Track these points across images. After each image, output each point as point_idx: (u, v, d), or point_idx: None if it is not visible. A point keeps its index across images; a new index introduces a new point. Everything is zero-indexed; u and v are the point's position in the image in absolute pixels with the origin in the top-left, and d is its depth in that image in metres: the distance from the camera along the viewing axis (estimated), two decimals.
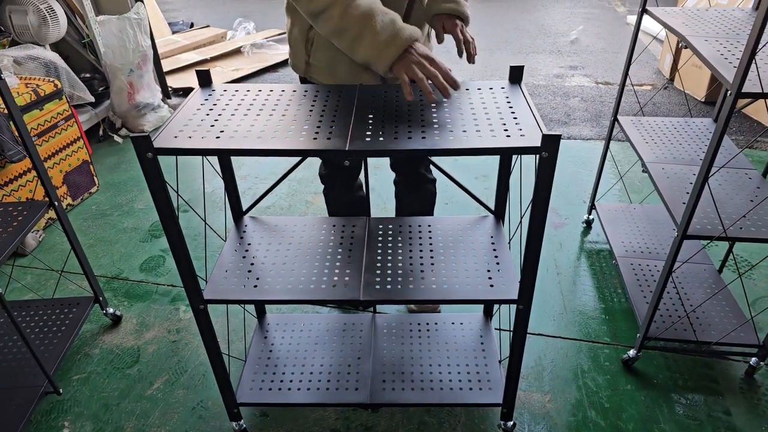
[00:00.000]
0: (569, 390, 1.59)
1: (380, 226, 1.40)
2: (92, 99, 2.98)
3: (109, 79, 3.09)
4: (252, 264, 1.28)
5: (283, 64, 4.42)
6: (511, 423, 1.42)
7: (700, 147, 1.77)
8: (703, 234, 1.34)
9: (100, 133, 3.20)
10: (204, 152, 0.96)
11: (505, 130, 0.98)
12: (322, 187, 1.78)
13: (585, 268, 2.07)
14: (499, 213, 1.42)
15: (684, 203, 1.44)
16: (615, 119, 1.97)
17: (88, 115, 3.05)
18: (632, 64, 4.20)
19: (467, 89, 1.17)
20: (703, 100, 3.45)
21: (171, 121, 1.05)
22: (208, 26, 5.18)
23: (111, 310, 1.86)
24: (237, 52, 4.60)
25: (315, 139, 0.98)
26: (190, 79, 3.96)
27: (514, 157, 1.37)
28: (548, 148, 0.91)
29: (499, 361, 1.49)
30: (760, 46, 1.03)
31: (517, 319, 1.18)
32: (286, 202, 2.52)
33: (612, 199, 2.48)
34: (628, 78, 1.92)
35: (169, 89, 3.67)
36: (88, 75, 3.19)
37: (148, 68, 3.19)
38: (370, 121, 1.04)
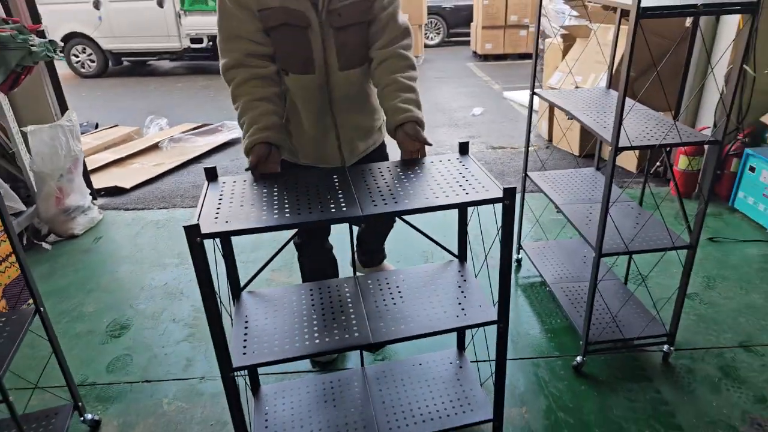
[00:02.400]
0: (538, 400, 1.92)
1: (368, 282, 1.67)
2: (24, 208, 2.99)
3: (35, 186, 3.12)
4: (265, 330, 1.46)
5: (206, 155, 4.63)
6: None
7: (590, 189, 2.29)
8: (612, 251, 1.79)
9: (24, 242, 3.16)
10: (250, 231, 1.19)
11: (473, 188, 1.34)
12: (296, 255, 2.06)
13: (523, 299, 2.48)
14: (461, 256, 1.76)
15: (591, 228, 1.91)
16: (525, 174, 2.48)
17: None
18: (516, 132, 4.98)
19: (431, 162, 1.53)
20: (578, 154, 4.22)
21: (203, 211, 1.26)
22: (116, 125, 5.27)
23: (89, 416, 1.88)
24: (155, 147, 4.74)
25: (333, 209, 1.27)
26: (110, 179, 4.02)
27: (470, 210, 1.75)
28: (508, 198, 1.27)
29: (481, 384, 1.78)
30: (624, 115, 1.54)
31: (498, 337, 1.48)
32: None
33: (532, 239, 2.97)
34: (525, 140, 2.45)
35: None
36: (8, 185, 3.18)
37: (78, 171, 3.27)
38: (369, 192, 1.35)
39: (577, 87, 2.31)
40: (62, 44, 3.11)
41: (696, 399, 1.89)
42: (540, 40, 7.53)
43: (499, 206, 1.28)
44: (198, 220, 1.21)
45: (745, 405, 1.86)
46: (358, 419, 1.68)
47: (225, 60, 1.57)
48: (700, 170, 3.28)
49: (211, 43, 8.41)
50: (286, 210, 1.26)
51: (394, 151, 1.81)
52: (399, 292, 1.60)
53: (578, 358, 2.03)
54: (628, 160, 3.81)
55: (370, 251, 2.34)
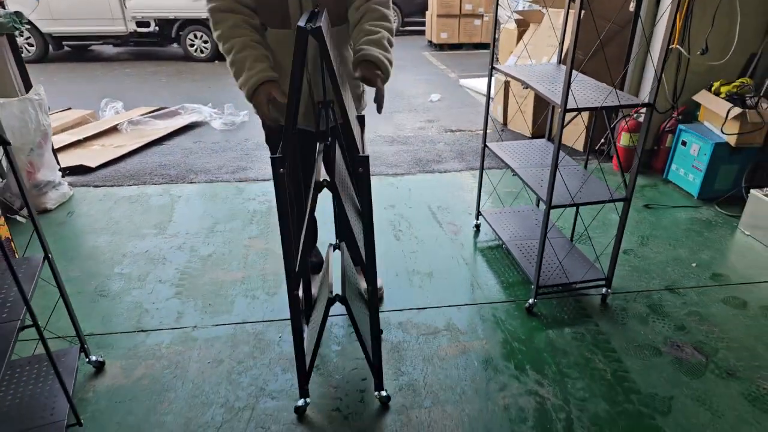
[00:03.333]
0: (496, 334, 2.30)
1: None
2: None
3: (3, 160, 3.25)
4: None
5: (167, 137, 4.79)
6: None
7: (542, 156, 2.69)
8: (560, 204, 2.18)
9: None
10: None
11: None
12: (257, 229, 2.31)
13: (482, 258, 2.86)
14: None
15: (543, 186, 2.30)
16: (485, 145, 2.86)
17: None
18: (473, 116, 5.40)
19: None
20: (530, 135, 4.68)
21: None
22: (69, 108, 5.33)
23: (94, 358, 2.12)
24: (114, 130, 4.86)
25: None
26: (74, 159, 4.14)
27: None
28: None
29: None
30: (571, 80, 1.92)
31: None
32: (225, 248, 2.95)
33: (489, 206, 3.36)
34: (485, 114, 2.83)
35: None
36: None
37: (48, 146, 3.42)
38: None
39: (531, 62, 2.70)
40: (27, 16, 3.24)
41: (628, 330, 2.32)
42: (496, 29, 8.12)
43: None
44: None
45: (667, 333, 2.30)
46: None
47: (215, 3, 1.75)
48: (635, 147, 3.77)
49: (158, 27, 8.44)
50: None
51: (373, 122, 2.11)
52: None
53: (530, 300, 2.42)
54: (577, 141, 4.28)
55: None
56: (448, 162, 4.09)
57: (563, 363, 2.13)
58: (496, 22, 2.54)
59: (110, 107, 5.38)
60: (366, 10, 1.83)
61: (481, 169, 2.98)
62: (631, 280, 2.66)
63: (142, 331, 2.34)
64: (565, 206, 2.20)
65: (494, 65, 2.65)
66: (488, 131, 2.88)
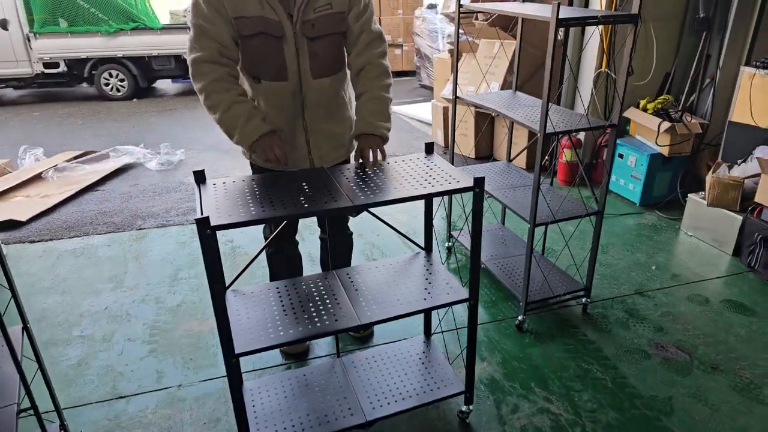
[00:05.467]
0: (495, 355, 2.31)
1: (347, 275, 1.89)
2: None
3: None
4: (255, 322, 1.62)
5: (100, 182, 4.46)
6: (471, 407, 1.96)
7: (506, 177, 2.78)
8: (541, 222, 2.26)
9: None
10: (253, 222, 1.37)
11: (446, 180, 1.62)
12: (226, 271, 2.22)
13: (458, 280, 2.88)
14: (428, 247, 2.06)
15: (523, 207, 2.37)
16: None
17: None
18: (414, 141, 5.49)
19: (402, 160, 1.81)
20: (473, 156, 4.83)
21: (204, 208, 1.42)
22: None
23: None
24: (38, 179, 4.46)
25: (326, 202, 1.47)
26: None
27: (435, 202, 2.08)
28: (479, 186, 1.54)
29: (450, 362, 2.06)
30: (549, 110, 2.01)
31: (470, 313, 1.79)
32: (195, 296, 2.76)
33: (455, 229, 3.42)
34: (450, 136, 2.89)
35: None
36: None
37: None
38: (354, 187, 1.58)
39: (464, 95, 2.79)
40: None
41: (614, 336, 2.42)
42: (417, 58, 8.37)
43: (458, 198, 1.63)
44: (202, 214, 1.35)
45: (649, 335, 2.42)
46: (343, 403, 1.88)
47: (198, 54, 1.72)
48: (578, 161, 4.00)
49: (67, 68, 7.94)
50: (281, 203, 1.46)
51: None
52: (376, 279, 1.84)
53: (520, 317, 2.46)
54: (519, 160, 4.47)
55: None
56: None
57: (565, 377, 2.18)
58: (421, 56, 2.60)
59: (29, 154, 4.94)
60: (368, 63, 1.86)
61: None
62: (603, 287, 2.79)
63: (121, 397, 2.13)
64: (547, 224, 2.28)
65: (458, 95, 2.72)
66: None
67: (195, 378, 2.22)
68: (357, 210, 1.51)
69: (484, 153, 4.86)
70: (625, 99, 2.13)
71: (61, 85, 8.25)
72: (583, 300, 2.58)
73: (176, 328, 2.53)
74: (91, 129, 6.37)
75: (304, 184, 1.62)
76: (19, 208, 3.90)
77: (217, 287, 1.38)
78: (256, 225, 1.40)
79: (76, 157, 4.93)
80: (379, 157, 1.82)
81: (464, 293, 1.77)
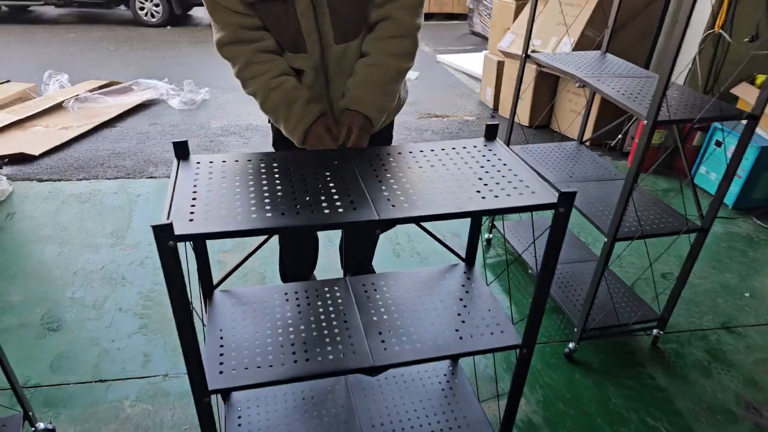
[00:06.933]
0: (535, 391, 1.94)
1: (362, 285, 1.52)
2: None
3: None
4: (244, 341, 1.29)
5: (119, 118, 4.22)
6: None
7: (578, 166, 2.31)
8: (625, 236, 1.82)
9: None
10: (239, 234, 0.99)
11: (514, 186, 1.15)
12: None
13: (496, 278, 2.49)
14: (469, 258, 1.64)
15: (598, 210, 1.94)
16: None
17: None
18: (457, 98, 4.99)
19: (453, 148, 1.35)
20: (527, 125, 4.30)
21: (173, 205, 1.05)
22: (8, 81, 4.66)
23: (42, 426, 1.67)
24: (59, 108, 4.25)
25: (341, 210, 1.07)
26: (14, 144, 3.56)
27: None
28: (565, 204, 1.06)
29: (479, 401, 1.69)
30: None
31: (519, 365, 1.36)
32: None
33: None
34: (512, 105, 2.43)
35: None
36: None
37: None
38: (383, 189, 1.16)
39: (533, 51, 2.28)
40: None
41: (690, 384, 2.00)
42: (470, 0, 7.55)
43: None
44: (168, 217, 1.00)
45: (737, 388, 1.99)
46: None
47: (220, 35, 1.39)
48: (661, 144, 3.44)
49: None
50: (282, 205, 1.07)
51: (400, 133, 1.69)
52: (399, 299, 1.47)
53: (571, 345, 2.07)
54: (571, 129, 3.92)
55: (354, 265, 2.14)
56: None
57: None
58: None
59: (54, 80, 4.73)
60: (387, 17, 1.41)
61: None
62: (680, 314, 2.35)
63: (101, 381, 1.89)
64: (631, 239, 1.84)
65: (529, 53, 2.23)
66: (475, 118, 2.46)
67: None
68: (384, 226, 1.12)
69: (542, 121, 4.32)
70: (732, 70, 1.61)
71: (100, 6, 8.03)
72: (654, 331, 2.16)
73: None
74: (120, 56, 6.13)
75: (325, 174, 1.24)
76: (35, 139, 3.70)
77: (184, 320, 1.05)
78: (242, 237, 1.04)
79: (99, 87, 4.69)
80: (357, 140, 1.42)
81: (513, 334, 1.38)
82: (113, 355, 2.00)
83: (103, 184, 3.18)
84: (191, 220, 1.01)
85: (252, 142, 3.92)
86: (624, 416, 1.86)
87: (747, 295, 2.49)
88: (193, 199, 1.09)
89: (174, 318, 1.03)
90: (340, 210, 1.09)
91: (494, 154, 1.36)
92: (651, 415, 1.87)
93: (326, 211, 1.08)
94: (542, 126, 4.33)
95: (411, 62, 1.46)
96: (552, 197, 1.13)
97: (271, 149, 1.76)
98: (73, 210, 2.90)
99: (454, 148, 1.38)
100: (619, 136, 3.79)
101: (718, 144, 3.24)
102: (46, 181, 3.19)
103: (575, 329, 2.05)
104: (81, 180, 3.22)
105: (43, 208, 2.90)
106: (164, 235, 0.93)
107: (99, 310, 2.22)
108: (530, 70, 4.01)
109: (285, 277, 2.06)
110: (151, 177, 3.31)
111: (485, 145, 1.41)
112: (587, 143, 2.52)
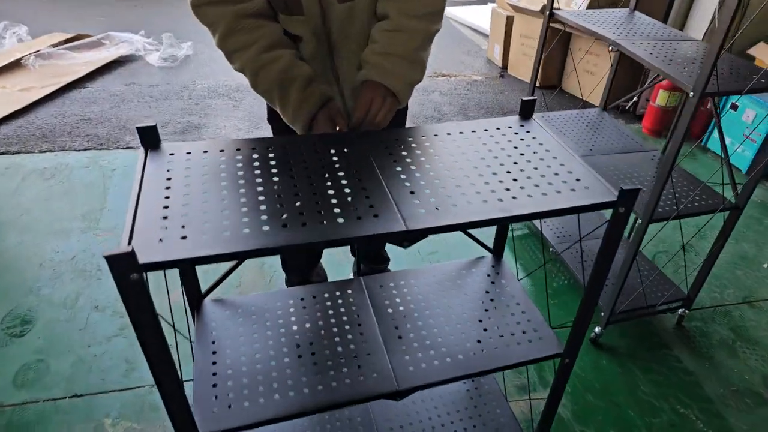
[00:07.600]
0: None
1: (381, 288, 1.33)
2: None
3: None
4: (244, 370, 1.10)
5: (89, 77, 3.86)
6: None
7: (601, 136, 2.13)
8: (662, 217, 1.65)
9: None
10: (225, 257, 0.77)
11: (561, 179, 0.98)
12: None
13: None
14: (497, 250, 1.45)
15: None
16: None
17: None
18: (465, 56, 4.71)
19: (485, 130, 1.15)
20: (538, 85, 4.06)
21: (139, 214, 0.83)
22: None
23: None
24: (17, 65, 3.87)
25: (359, 218, 0.87)
26: None
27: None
28: (626, 203, 0.91)
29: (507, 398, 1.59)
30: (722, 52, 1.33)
31: (559, 375, 1.21)
32: None
33: None
34: (533, 71, 2.21)
35: None
36: None
37: None
38: (408, 186, 0.95)
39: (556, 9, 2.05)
40: None
41: (716, 366, 1.89)
42: None
43: None
44: (131, 236, 0.78)
45: (763, 368, 1.89)
46: None
47: None
48: (676, 106, 3.26)
49: None
50: (283, 213, 0.86)
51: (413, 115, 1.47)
52: (422, 301, 1.29)
53: (597, 329, 1.94)
54: (593, 93, 3.72)
55: (367, 256, 1.96)
56: (450, 119, 3.46)
57: (655, 425, 1.68)
58: None
59: (11, 33, 4.32)
60: None
61: None
62: (702, 290, 2.21)
63: (76, 396, 1.69)
64: (665, 219, 1.68)
65: (553, 11, 1.99)
66: (483, 77, 2.25)
67: None
68: (411, 238, 0.91)
69: (552, 81, 4.09)
70: (749, 29, 1.43)
71: None
72: (680, 311, 2.03)
73: (157, 296, 2.05)
74: (90, 4, 5.62)
75: (335, 165, 1.02)
76: None
77: (166, 376, 0.85)
78: (228, 261, 0.82)
79: (65, 41, 4.30)
80: (381, 117, 1.21)
81: (553, 340, 1.21)
82: (89, 363, 1.80)
83: (71, 157, 2.88)
84: (161, 240, 0.79)
85: (243, 105, 3.60)
86: (655, 406, 1.74)
87: (765, 266, 2.38)
88: (165, 207, 0.86)
89: (153, 377, 0.83)
90: (358, 217, 0.88)
91: (533, 138, 1.16)
92: (681, 402, 1.75)
93: (340, 219, 0.87)
94: (550, 86, 4.09)
95: (440, 23, 1.23)
96: (610, 195, 0.95)
97: (266, 116, 1.52)
98: (37, 189, 2.62)
99: (486, 130, 1.18)
100: (635, 98, 3.59)
101: (734, 107, 3.06)
102: (2, 154, 2.88)
103: (602, 313, 1.91)
104: (45, 152, 2.92)
105: (2, 188, 2.62)
106: (123, 264, 0.70)
107: (71, 309, 2.00)
108: (537, 26, 3.75)
109: (286, 267, 1.87)
110: (128, 147, 3.01)
111: (522, 126, 1.21)
112: (610, 110, 2.32)
